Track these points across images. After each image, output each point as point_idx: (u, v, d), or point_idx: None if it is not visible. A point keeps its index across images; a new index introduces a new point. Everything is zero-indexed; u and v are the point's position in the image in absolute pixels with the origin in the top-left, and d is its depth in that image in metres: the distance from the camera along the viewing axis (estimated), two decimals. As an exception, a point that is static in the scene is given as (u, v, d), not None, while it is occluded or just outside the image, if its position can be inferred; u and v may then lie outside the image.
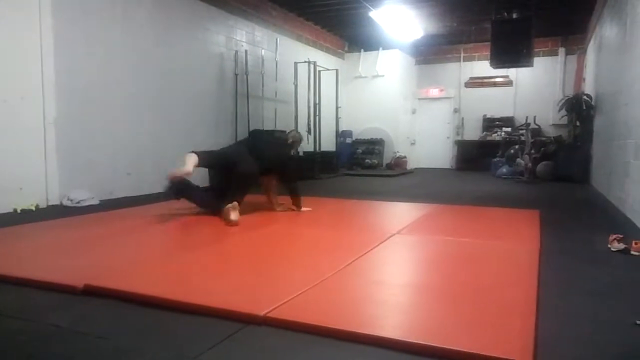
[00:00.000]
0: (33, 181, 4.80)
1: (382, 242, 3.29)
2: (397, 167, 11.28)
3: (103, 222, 4.06)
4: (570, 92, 10.36)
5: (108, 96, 5.62)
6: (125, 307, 2.04)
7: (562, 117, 10.00)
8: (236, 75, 7.79)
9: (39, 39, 4.83)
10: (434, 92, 12.59)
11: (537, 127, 9.95)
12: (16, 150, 4.64)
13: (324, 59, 10.39)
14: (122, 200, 5.37)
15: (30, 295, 2.21)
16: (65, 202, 4.98)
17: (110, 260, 2.79)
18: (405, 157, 11.63)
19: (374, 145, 11.57)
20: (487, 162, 10.45)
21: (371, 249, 3.06)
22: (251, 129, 8.01)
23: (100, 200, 5.22)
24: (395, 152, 11.54)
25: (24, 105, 4.71)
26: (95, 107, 5.45)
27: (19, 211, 4.53)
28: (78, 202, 4.96)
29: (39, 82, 4.84)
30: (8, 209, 4.50)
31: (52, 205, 4.93)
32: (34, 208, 4.67)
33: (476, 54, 11.90)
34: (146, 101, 6.16)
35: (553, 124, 11.01)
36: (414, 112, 12.70)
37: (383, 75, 11.58)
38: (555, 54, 11.27)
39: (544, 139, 10.22)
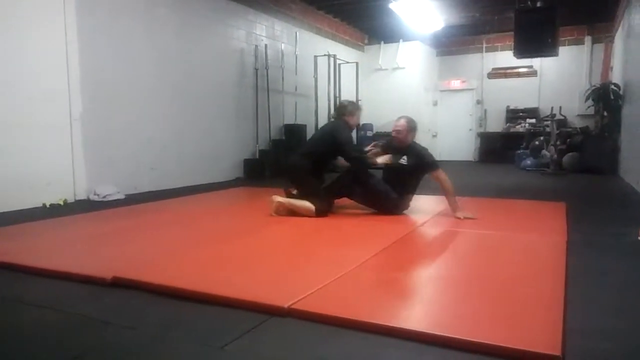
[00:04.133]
0: (61, 176, 4.92)
1: (405, 234, 3.27)
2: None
3: (129, 216, 4.14)
4: (597, 82, 10.08)
5: (131, 92, 5.71)
6: (152, 298, 2.08)
7: (589, 107, 9.74)
8: (256, 69, 7.81)
9: (64, 37, 4.92)
10: (456, 83, 12.41)
11: (562, 117, 9.72)
12: (44, 147, 4.76)
13: (343, 52, 10.33)
14: (146, 195, 5.46)
15: (61, 286, 2.27)
16: (92, 197, 5.08)
17: (138, 253, 2.85)
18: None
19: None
20: (511, 154, 10.27)
21: (394, 242, 3.05)
22: (272, 123, 8.04)
23: (126, 195, 5.32)
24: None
25: (50, 102, 4.81)
26: (119, 102, 5.54)
27: (48, 206, 4.64)
28: (104, 197, 5.06)
29: (64, 79, 4.94)
30: (37, 203, 4.62)
31: (80, 200, 5.04)
32: (62, 203, 4.79)
33: (499, 44, 11.68)
34: (168, 96, 6.23)
35: (579, 115, 10.74)
36: (435, 104, 12.55)
37: (404, 68, 11.46)
38: (581, 42, 10.98)
39: (569, 129, 9.99)
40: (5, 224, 3.70)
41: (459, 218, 3.77)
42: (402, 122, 4.07)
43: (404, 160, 4.01)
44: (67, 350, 1.61)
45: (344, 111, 4.32)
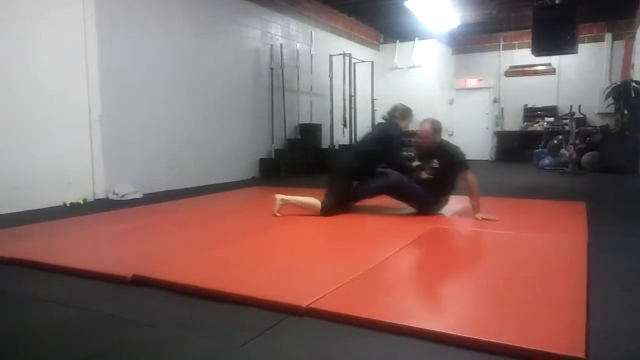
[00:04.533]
0: (81, 176, 4.99)
1: (423, 234, 3.25)
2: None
3: (147, 215, 4.18)
4: (617, 80, 9.89)
5: (149, 92, 5.77)
6: (171, 296, 2.10)
7: (609, 105, 9.55)
8: (272, 69, 7.83)
9: (83, 39, 4.99)
10: (472, 82, 12.29)
11: (582, 116, 9.56)
12: (64, 147, 4.83)
13: (359, 51, 10.30)
14: (163, 194, 5.52)
15: (82, 284, 2.30)
16: (111, 196, 5.15)
17: (157, 251, 2.88)
18: (442, 149, 11.43)
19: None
20: (529, 153, 10.14)
21: (412, 241, 3.03)
22: (287, 123, 8.05)
23: (143, 194, 5.37)
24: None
25: (70, 103, 4.89)
26: (136, 103, 5.61)
27: (68, 205, 4.72)
28: (123, 196, 5.13)
29: (84, 79, 5.01)
30: (58, 202, 4.70)
31: (99, 199, 5.11)
32: (82, 202, 4.86)
33: (516, 41, 11.54)
34: (185, 97, 6.29)
35: (599, 113, 10.56)
36: (451, 102, 12.45)
37: (419, 66, 11.39)
38: (601, 39, 10.78)
39: (589, 128, 9.81)
40: (27, 222, 3.77)
41: (478, 219, 3.74)
42: (427, 126, 4.01)
43: (435, 163, 3.97)
44: (88, 348, 1.63)
45: (395, 113, 4.32)
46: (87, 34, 5.02)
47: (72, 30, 4.90)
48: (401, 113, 4.32)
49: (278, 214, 3.91)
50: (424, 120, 4.08)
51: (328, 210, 3.93)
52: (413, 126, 4.42)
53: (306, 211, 3.97)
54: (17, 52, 4.41)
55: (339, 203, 4.03)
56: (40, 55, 4.61)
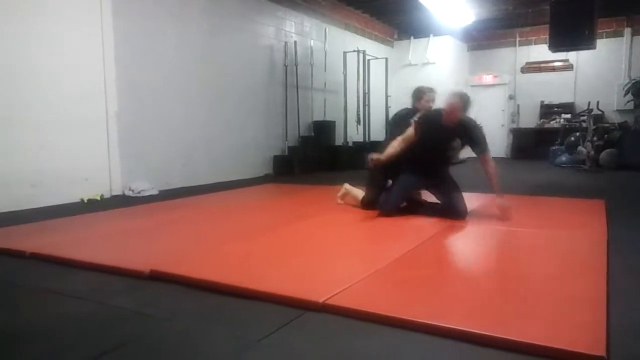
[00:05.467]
0: (98, 172, 5.05)
1: (439, 231, 3.22)
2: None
3: (164, 211, 4.22)
4: (636, 75, 9.71)
5: (164, 89, 5.81)
6: (188, 291, 2.11)
7: (628, 102, 9.40)
8: (285, 66, 7.84)
9: (100, 37, 5.05)
10: (488, 78, 12.16)
11: (600, 112, 9.41)
12: (82, 143, 4.89)
13: (373, 48, 10.26)
14: (178, 191, 5.56)
15: (100, 279, 2.33)
16: (127, 193, 5.21)
17: (174, 247, 2.90)
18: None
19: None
20: (545, 150, 10.00)
21: (429, 238, 3.01)
22: (301, 120, 8.06)
23: (159, 191, 5.42)
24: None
25: (87, 100, 4.94)
26: (152, 100, 5.66)
27: (85, 201, 4.78)
28: (139, 192, 5.18)
29: (101, 77, 5.07)
30: (76, 198, 4.77)
31: (115, 196, 5.17)
32: (99, 198, 4.92)
33: (533, 37, 11.38)
34: (199, 94, 6.32)
35: (617, 110, 10.38)
36: (466, 99, 12.35)
37: (434, 63, 11.29)
38: (620, 34, 10.58)
39: (607, 125, 9.65)
40: (46, 218, 3.83)
41: (500, 204, 3.59)
42: (455, 100, 3.56)
43: (457, 142, 3.69)
44: (106, 341, 1.65)
45: (413, 98, 4.13)
46: (104, 34, 5.07)
47: (90, 29, 4.96)
48: (413, 95, 4.13)
49: (340, 202, 4.09)
50: (453, 93, 3.68)
51: (369, 202, 3.93)
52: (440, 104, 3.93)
53: (354, 202, 4.08)
54: (36, 52, 4.48)
55: (376, 197, 3.92)
56: (59, 54, 4.67)
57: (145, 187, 5.29)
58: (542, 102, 11.46)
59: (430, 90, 4.08)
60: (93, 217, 3.95)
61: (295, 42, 7.93)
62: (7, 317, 1.91)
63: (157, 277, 2.26)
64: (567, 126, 10.31)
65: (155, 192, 5.34)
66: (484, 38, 11.94)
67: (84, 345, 1.64)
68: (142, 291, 2.15)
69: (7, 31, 4.27)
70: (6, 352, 1.60)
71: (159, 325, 1.78)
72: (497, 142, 12.04)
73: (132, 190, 5.20)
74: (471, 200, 4.31)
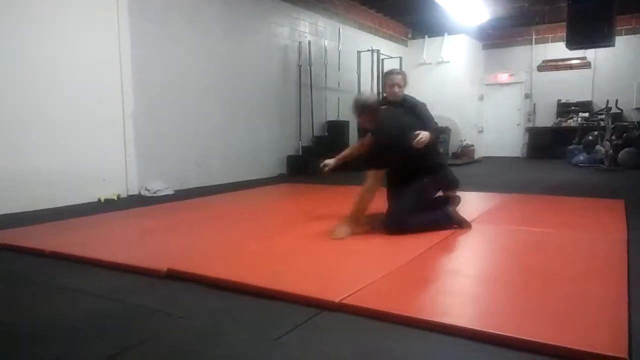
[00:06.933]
0: (114, 173, 5.12)
1: (454, 232, 3.20)
2: (464, 156, 10.92)
3: (179, 211, 4.26)
4: (657, 73, 9.53)
5: (179, 90, 5.86)
6: (205, 290, 2.13)
7: (648, 100, 9.23)
8: (300, 66, 7.85)
9: (117, 39, 5.11)
10: (503, 77, 12.03)
11: (618, 111, 9.25)
12: (99, 144, 4.96)
13: (387, 47, 10.22)
14: (193, 191, 5.60)
15: (118, 277, 2.36)
16: (143, 192, 5.26)
17: (190, 246, 2.92)
18: (472, 145, 11.22)
19: (439, 134, 11.24)
20: (562, 149, 9.86)
21: (443, 239, 2.99)
22: (314, 120, 8.05)
23: (174, 191, 5.47)
24: (461, 141, 11.16)
25: (105, 101, 5.01)
26: (167, 101, 5.71)
27: (102, 201, 4.84)
28: (155, 192, 5.23)
29: (118, 78, 5.13)
30: (93, 198, 4.83)
31: (132, 195, 5.23)
32: (116, 198, 4.98)
33: (550, 35, 11.23)
34: (214, 94, 6.36)
35: (637, 108, 10.19)
36: (481, 98, 12.22)
37: (448, 62, 11.21)
38: (640, 32, 10.41)
39: (626, 123, 9.49)
40: (64, 217, 3.89)
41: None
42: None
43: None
44: (125, 339, 1.67)
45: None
46: (120, 35, 5.13)
47: (106, 31, 5.02)
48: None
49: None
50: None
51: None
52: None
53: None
54: (53, 53, 4.54)
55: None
56: (76, 56, 4.73)
57: (161, 187, 5.33)
58: (559, 100, 11.30)
59: (391, 72, 3.68)
60: (110, 217, 4.00)
61: (309, 42, 7.94)
62: (27, 315, 1.94)
63: (174, 276, 2.28)
64: (585, 125, 10.16)
65: (170, 192, 5.38)
66: (499, 36, 11.81)
67: (102, 343, 1.66)
68: (159, 290, 2.17)
69: (25, 32, 4.34)
70: (25, 350, 1.63)
71: (176, 324, 1.80)
72: (513, 141, 11.92)
73: (148, 190, 5.25)
74: (486, 200, 4.28)
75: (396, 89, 3.52)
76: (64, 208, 4.42)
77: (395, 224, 3.08)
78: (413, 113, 3.42)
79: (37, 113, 4.43)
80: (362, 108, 3.27)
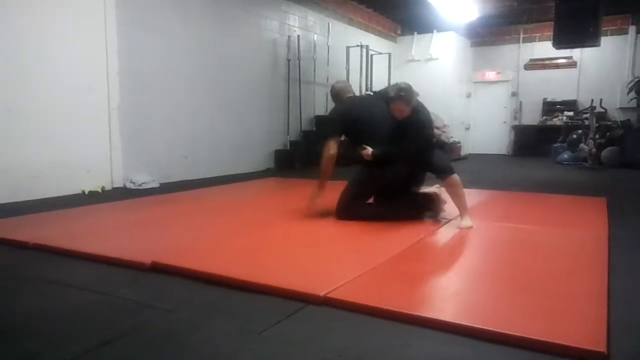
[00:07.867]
0: (99, 165, 5.05)
1: (440, 228, 3.23)
2: (451, 152, 11.01)
3: (165, 204, 4.23)
4: (640, 73, 9.69)
5: (167, 83, 5.80)
6: (190, 283, 2.12)
7: (631, 100, 9.37)
8: (289, 60, 7.82)
9: (103, 29, 5.03)
10: (491, 75, 12.13)
11: (603, 110, 9.38)
12: (83, 136, 4.89)
13: (376, 43, 10.23)
14: (179, 184, 5.56)
15: (102, 270, 2.34)
16: (128, 185, 5.21)
17: (175, 240, 2.90)
18: (459, 142, 11.31)
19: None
20: (547, 147, 10.00)
21: (428, 235, 3.02)
22: (303, 114, 8.04)
23: (160, 184, 5.42)
24: (448, 137, 11.25)
25: (90, 93, 4.93)
26: (154, 92, 5.65)
27: (86, 193, 4.78)
28: (140, 185, 5.18)
29: (103, 70, 5.06)
30: (77, 190, 4.77)
31: (116, 188, 5.17)
32: (100, 190, 4.92)
33: (537, 34, 11.33)
34: (202, 87, 6.31)
35: (620, 108, 10.35)
36: (468, 96, 12.31)
37: (437, 59, 11.25)
38: (625, 32, 10.53)
39: (609, 123, 9.64)
40: (48, 209, 3.84)
41: None
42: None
43: None
44: (109, 331, 1.66)
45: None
46: (107, 26, 5.05)
47: (93, 21, 4.94)
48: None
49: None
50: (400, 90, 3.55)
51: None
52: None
53: None
54: (38, 43, 4.46)
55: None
56: (61, 46, 4.66)
57: (147, 179, 5.29)
58: (544, 99, 11.43)
59: (399, 98, 3.54)
60: (94, 209, 3.95)
61: (298, 36, 7.91)
62: (10, 307, 1.91)
63: (159, 269, 2.27)
64: (570, 123, 10.30)
65: (156, 184, 5.34)
66: (487, 34, 11.89)
67: (86, 335, 1.64)
68: (143, 283, 2.15)
69: (9, 23, 4.26)
70: (9, 342, 1.61)
71: (160, 317, 1.79)
72: (499, 139, 12.03)
73: (133, 183, 5.21)
74: (471, 197, 4.30)
75: (398, 114, 3.52)
76: (47, 199, 4.36)
77: (338, 210, 3.50)
78: (406, 126, 3.50)
79: (20, 103, 4.35)
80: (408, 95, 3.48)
